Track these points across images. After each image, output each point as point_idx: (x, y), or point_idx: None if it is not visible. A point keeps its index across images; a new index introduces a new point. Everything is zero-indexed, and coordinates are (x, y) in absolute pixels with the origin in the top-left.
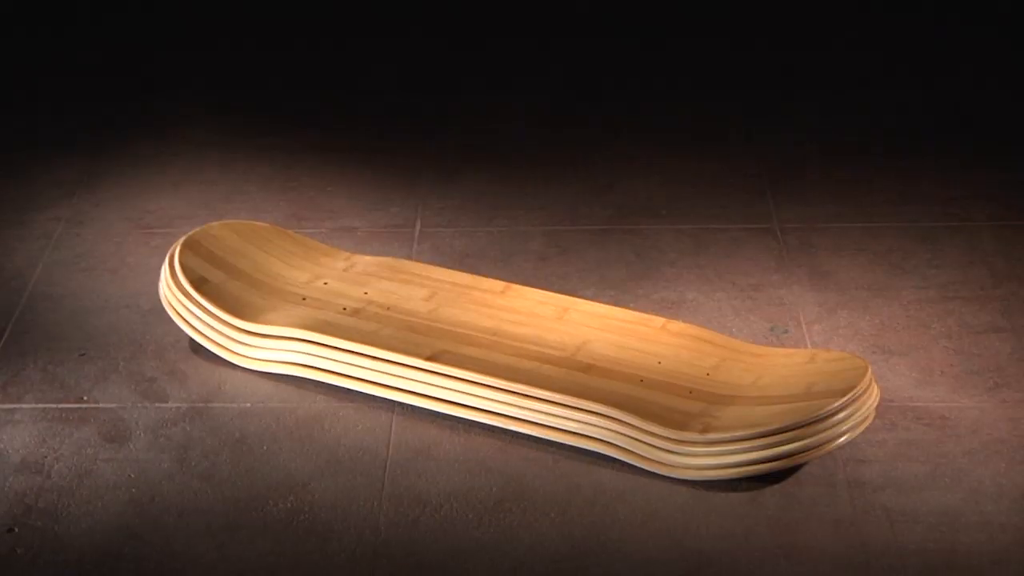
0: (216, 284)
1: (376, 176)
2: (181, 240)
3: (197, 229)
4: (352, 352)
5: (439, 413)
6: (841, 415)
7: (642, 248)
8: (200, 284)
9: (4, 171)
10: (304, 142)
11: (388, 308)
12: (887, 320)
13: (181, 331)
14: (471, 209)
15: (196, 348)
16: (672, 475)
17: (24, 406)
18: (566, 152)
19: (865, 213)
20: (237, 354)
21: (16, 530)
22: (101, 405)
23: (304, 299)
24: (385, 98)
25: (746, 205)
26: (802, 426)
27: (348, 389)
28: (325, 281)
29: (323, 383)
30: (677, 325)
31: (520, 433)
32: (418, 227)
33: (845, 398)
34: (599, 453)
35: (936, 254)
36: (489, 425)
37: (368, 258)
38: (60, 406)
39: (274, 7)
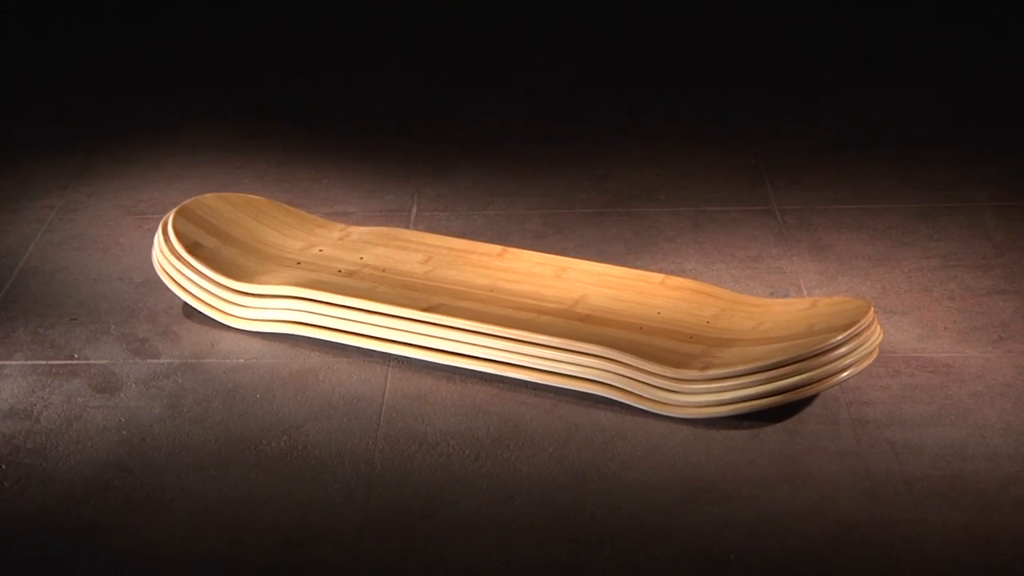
0: (210, 249)
1: (372, 170)
2: (175, 208)
3: (191, 199)
4: (347, 307)
5: (435, 365)
6: (843, 349)
7: (640, 227)
8: (194, 248)
9: None
10: (299, 142)
11: (384, 270)
12: (888, 285)
13: (174, 299)
14: (467, 196)
15: (190, 313)
16: (673, 414)
17: (13, 363)
18: (562, 147)
19: (864, 197)
20: (231, 315)
21: (3, 467)
22: (92, 361)
23: (299, 263)
24: (380, 100)
25: (744, 190)
26: (804, 359)
27: (343, 345)
28: (320, 248)
29: (318, 341)
30: (677, 280)
31: (518, 380)
32: (414, 211)
33: (847, 332)
34: (598, 396)
35: (937, 230)
36: (486, 374)
37: (363, 228)
38: (50, 362)
39: (270, 12)
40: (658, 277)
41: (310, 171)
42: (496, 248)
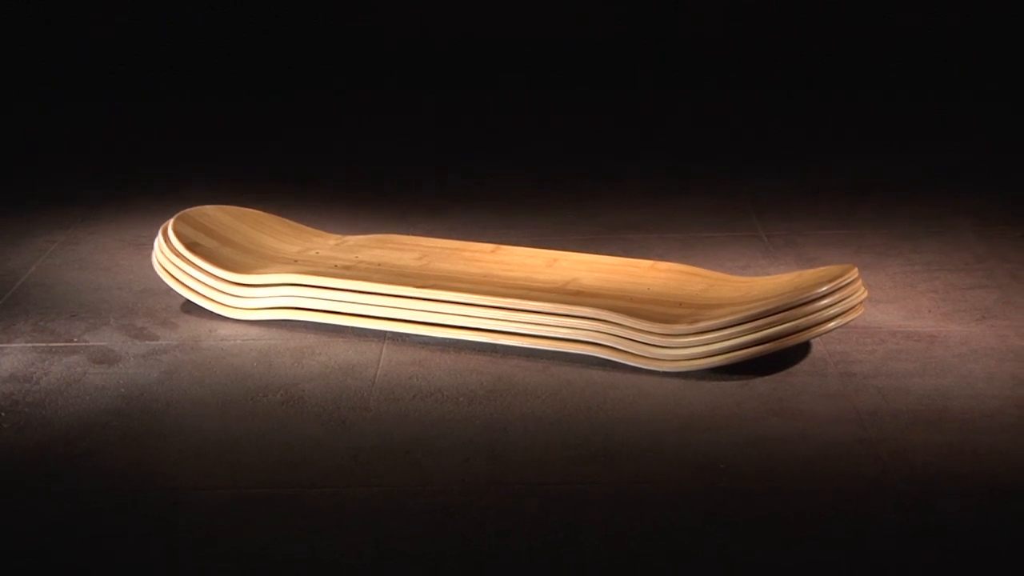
0: (208, 248)
1: (368, 213)
2: (175, 216)
3: (192, 208)
4: (344, 290)
5: (430, 339)
6: (827, 300)
7: (631, 249)
8: (193, 247)
9: (4, 210)
10: (297, 196)
11: (379, 264)
12: (874, 284)
13: (173, 300)
14: (461, 231)
15: (188, 309)
16: (664, 369)
17: (13, 345)
18: (554, 195)
19: (849, 226)
20: (229, 307)
21: (2, 414)
22: (91, 343)
23: (296, 262)
24: (375, 161)
25: (732, 221)
26: (789, 308)
27: (339, 327)
28: (316, 251)
29: (315, 325)
30: (666, 264)
31: (511, 348)
32: None
33: (831, 284)
34: (590, 358)
35: (920, 247)
36: (480, 344)
37: (359, 236)
38: (50, 344)
39: (266, 69)
40: (647, 263)
41: (308, 214)
42: (489, 246)
